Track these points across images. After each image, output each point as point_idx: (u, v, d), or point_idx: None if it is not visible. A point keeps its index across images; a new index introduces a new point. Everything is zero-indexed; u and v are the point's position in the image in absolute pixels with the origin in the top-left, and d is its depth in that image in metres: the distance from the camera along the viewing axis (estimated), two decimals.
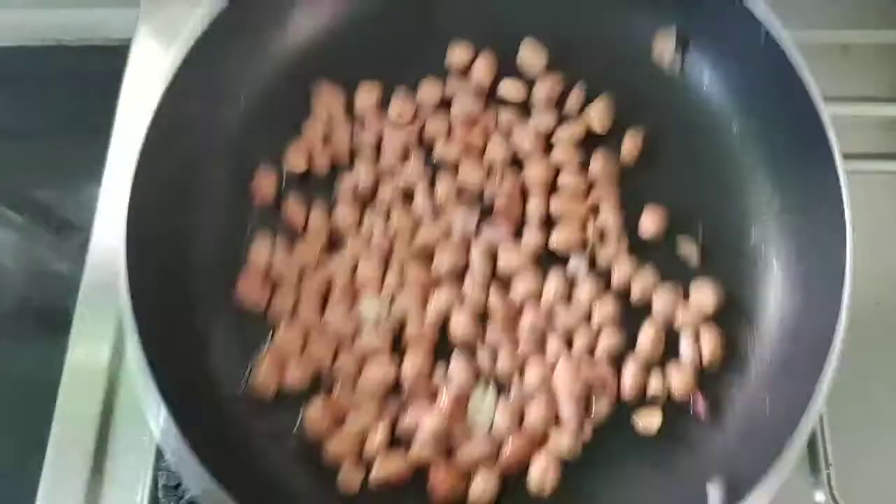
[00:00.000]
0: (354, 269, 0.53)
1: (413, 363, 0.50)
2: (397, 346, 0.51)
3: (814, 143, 0.50)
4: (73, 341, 0.59)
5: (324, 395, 0.50)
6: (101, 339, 0.58)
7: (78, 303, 0.60)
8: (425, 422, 0.48)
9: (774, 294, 0.54)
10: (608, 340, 0.52)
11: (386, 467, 0.48)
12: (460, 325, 0.51)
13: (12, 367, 0.68)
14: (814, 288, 0.51)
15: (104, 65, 0.74)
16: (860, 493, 0.54)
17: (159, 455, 0.54)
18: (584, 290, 0.53)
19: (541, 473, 0.49)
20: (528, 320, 0.52)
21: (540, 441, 0.50)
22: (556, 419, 0.50)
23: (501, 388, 0.51)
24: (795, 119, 0.51)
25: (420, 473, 0.49)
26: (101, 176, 0.65)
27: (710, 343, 0.52)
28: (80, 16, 0.76)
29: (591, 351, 0.52)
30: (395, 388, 0.50)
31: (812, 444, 0.55)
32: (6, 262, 0.73)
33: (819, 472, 0.55)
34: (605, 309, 0.52)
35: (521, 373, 0.51)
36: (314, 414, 0.49)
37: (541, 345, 0.52)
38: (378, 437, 0.48)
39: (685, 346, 0.53)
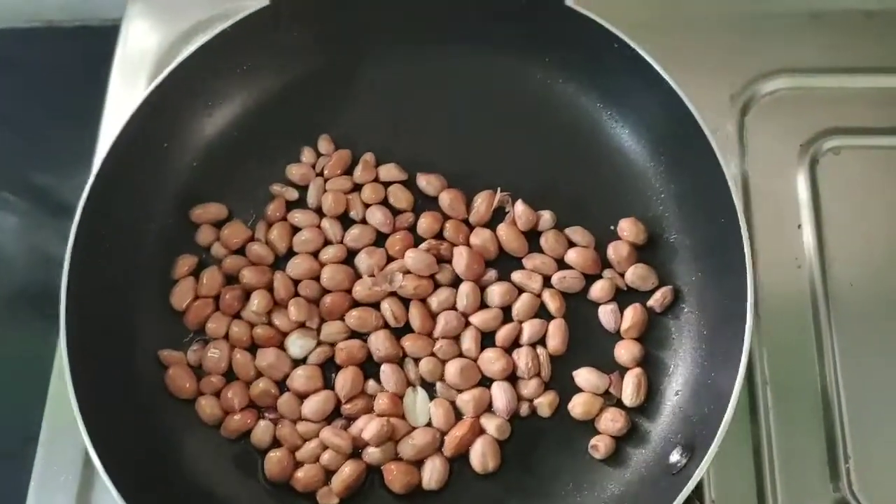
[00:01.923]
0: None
1: (345, 380, 0.53)
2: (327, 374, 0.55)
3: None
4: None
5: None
6: None
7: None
8: (370, 426, 0.52)
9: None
10: (530, 330, 0.54)
11: (344, 477, 0.52)
12: (380, 341, 0.54)
13: (12, 351, 0.67)
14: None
15: (97, 46, 0.73)
16: (879, 487, 0.54)
17: None
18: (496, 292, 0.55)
19: (480, 456, 0.52)
20: (441, 325, 0.54)
21: (475, 427, 0.52)
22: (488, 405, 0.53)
23: (429, 389, 0.54)
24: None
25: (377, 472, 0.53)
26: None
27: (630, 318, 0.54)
28: None
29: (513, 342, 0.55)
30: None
31: (831, 439, 0.55)
32: (6, 246, 0.71)
33: (838, 467, 0.54)
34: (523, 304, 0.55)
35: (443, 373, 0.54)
36: (275, 466, 0.52)
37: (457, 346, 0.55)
38: (329, 455, 0.53)
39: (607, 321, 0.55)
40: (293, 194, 0.59)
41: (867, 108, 0.63)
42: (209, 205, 0.58)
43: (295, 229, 0.58)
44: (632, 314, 0.54)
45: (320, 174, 0.59)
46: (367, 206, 0.58)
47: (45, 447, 0.57)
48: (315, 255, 0.57)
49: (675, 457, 0.49)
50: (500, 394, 0.53)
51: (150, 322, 0.55)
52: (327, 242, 0.57)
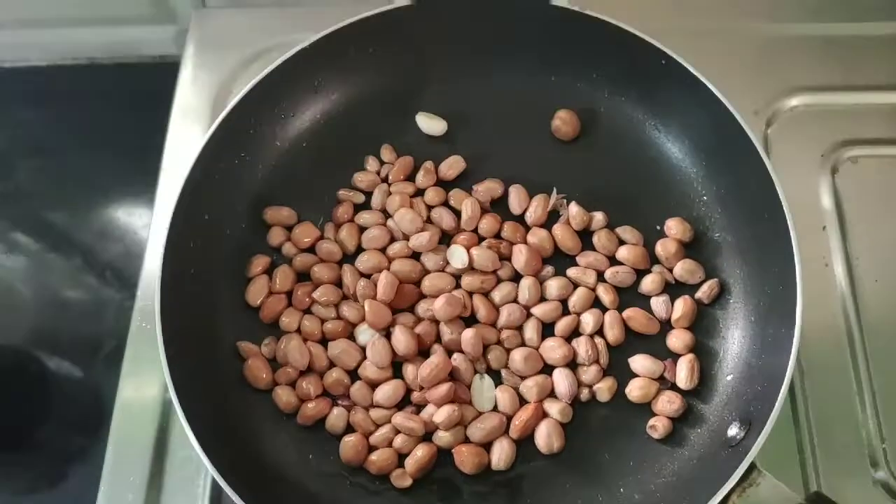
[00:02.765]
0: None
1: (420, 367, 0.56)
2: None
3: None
4: (125, 369, 0.62)
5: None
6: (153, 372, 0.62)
7: (130, 333, 0.63)
8: (441, 411, 0.55)
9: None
10: (589, 319, 0.58)
11: (417, 459, 0.55)
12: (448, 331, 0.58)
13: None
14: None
15: (137, 83, 0.79)
16: None
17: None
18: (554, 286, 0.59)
19: (546, 437, 0.56)
20: (505, 316, 0.58)
21: (538, 411, 0.56)
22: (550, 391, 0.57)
23: (494, 376, 0.58)
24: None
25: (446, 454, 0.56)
26: (120, 197, 0.69)
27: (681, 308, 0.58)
28: (112, 34, 0.78)
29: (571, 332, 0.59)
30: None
31: (865, 425, 0.59)
32: (21, 288, 0.73)
33: (875, 453, 0.58)
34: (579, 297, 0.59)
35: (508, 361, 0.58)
36: (350, 450, 0.55)
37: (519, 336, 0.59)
38: (401, 439, 0.56)
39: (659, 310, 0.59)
40: (360, 198, 0.63)
41: (881, 122, 0.69)
42: (281, 208, 0.62)
43: (362, 229, 0.61)
44: (682, 305, 0.58)
45: (384, 180, 0.63)
46: (429, 207, 0.62)
47: (113, 448, 0.60)
48: (383, 251, 0.60)
49: (733, 430, 0.52)
50: (561, 379, 0.56)
51: (229, 316, 0.59)
52: (394, 239, 0.61)
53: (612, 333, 0.58)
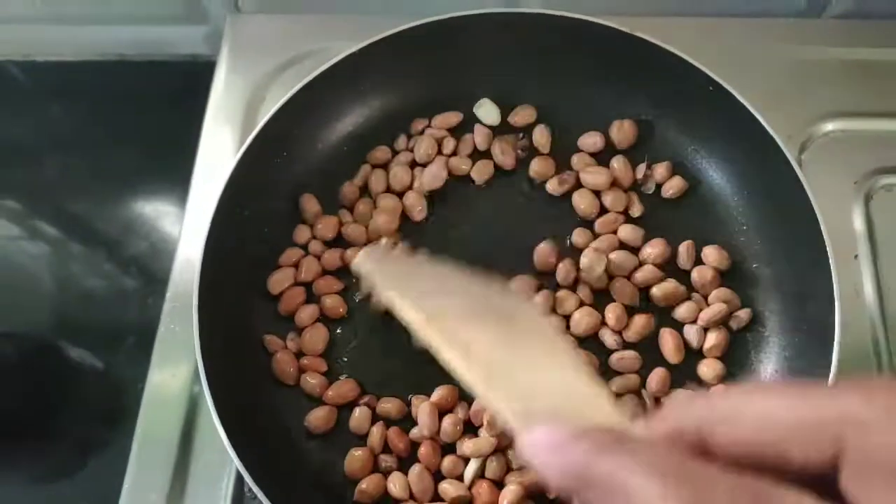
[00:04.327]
0: None
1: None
2: None
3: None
4: (154, 362, 0.62)
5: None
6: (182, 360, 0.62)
7: (161, 321, 0.63)
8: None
9: None
10: None
11: None
12: None
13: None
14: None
15: (166, 79, 0.80)
16: None
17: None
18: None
19: None
20: None
21: None
22: None
23: None
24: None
25: None
26: (147, 194, 0.69)
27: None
28: (143, 32, 0.78)
29: None
30: None
31: None
32: (47, 278, 0.73)
33: None
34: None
35: None
36: (355, 462, 0.55)
37: None
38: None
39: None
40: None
41: None
42: (310, 198, 0.63)
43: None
44: (715, 334, 0.58)
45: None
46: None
47: (139, 441, 0.59)
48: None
49: None
50: None
51: (265, 317, 0.60)
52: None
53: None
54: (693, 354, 0.58)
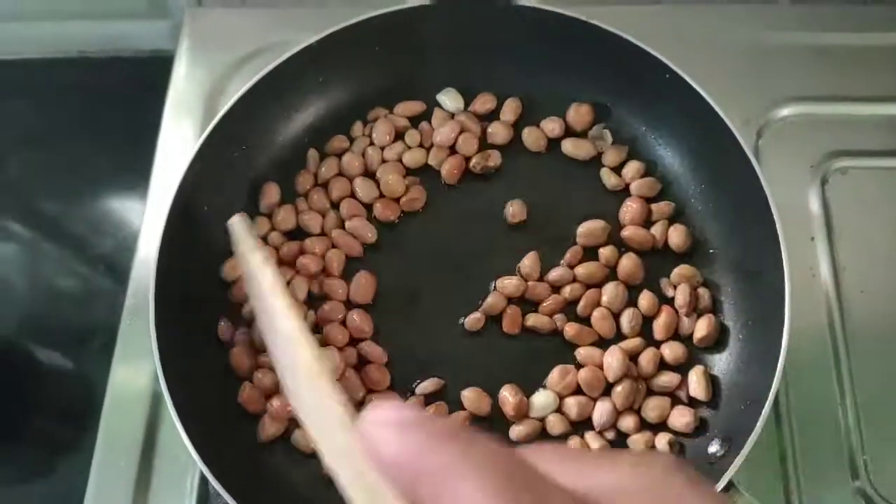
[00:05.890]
0: None
1: None
2: None
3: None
4: (116, 361, 0.62)
5: None
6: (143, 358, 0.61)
7: (121, 319, 0.63)
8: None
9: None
10: None
11: None
12: None
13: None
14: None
15: (128, 76, 0.79)
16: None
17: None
18: None
19: None
20: None
21: None
22: None
23: None
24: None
25: None
26: (112, 190, 0.69)
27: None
28: (105, 27, 0.78)
29: None
30: None
31: (847, 435, 0.60)
32: (12, 278, 0.73)
33: (856, 463, 0.59)
34: None
35: None
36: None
37: None
38: None
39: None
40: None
41: (872, 133, 0.70)
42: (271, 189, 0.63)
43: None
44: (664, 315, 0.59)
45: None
46: None
47: (103, 441, 0.60)
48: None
49: (714, 447, 0.53)
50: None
51: (225, 311, 0.59)
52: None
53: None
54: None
